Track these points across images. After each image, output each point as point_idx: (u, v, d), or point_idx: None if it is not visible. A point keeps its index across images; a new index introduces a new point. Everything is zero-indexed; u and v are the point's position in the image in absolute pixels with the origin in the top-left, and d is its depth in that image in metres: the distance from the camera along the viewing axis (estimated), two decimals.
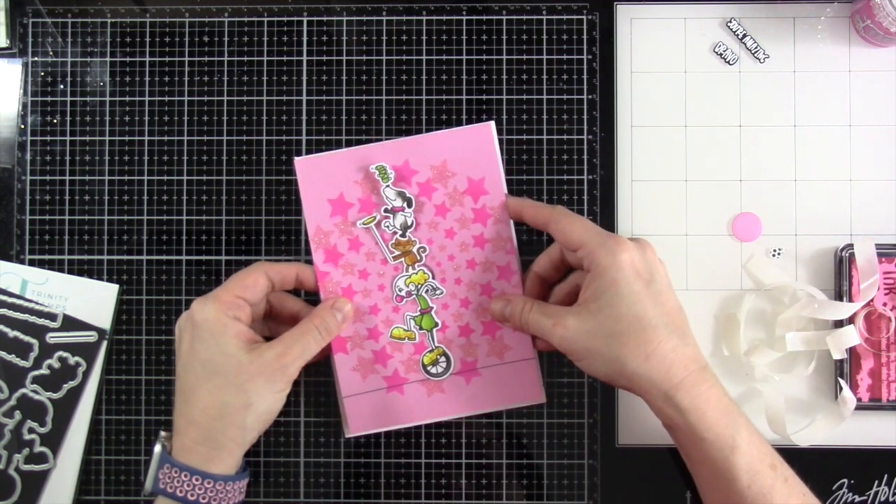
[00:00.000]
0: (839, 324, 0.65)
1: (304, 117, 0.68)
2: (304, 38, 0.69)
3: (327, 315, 0.62)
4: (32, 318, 0.67)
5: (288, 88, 0.69)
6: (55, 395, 0.67)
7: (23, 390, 0.67)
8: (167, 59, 0.69)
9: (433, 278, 0.65)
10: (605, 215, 0.68)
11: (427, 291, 0.65)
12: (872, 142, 0.68)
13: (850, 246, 0.66)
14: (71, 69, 0.69)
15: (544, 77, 0.68)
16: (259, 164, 0.68)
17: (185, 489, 0.58)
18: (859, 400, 0.65)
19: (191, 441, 0.58)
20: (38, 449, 0.67)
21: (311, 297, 0.67)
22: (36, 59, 0.69)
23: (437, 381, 0.65)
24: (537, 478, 0.67)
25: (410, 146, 0.65)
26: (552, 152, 0.68)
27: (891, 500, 0.67)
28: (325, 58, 0.69)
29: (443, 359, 0.65)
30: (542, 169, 0.68)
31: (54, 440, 0.67)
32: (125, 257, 0.68)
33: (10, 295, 0.67)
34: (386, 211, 0.65)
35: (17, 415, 0.67)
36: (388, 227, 0.65)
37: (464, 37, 0.68)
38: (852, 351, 0.66)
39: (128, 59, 0.69)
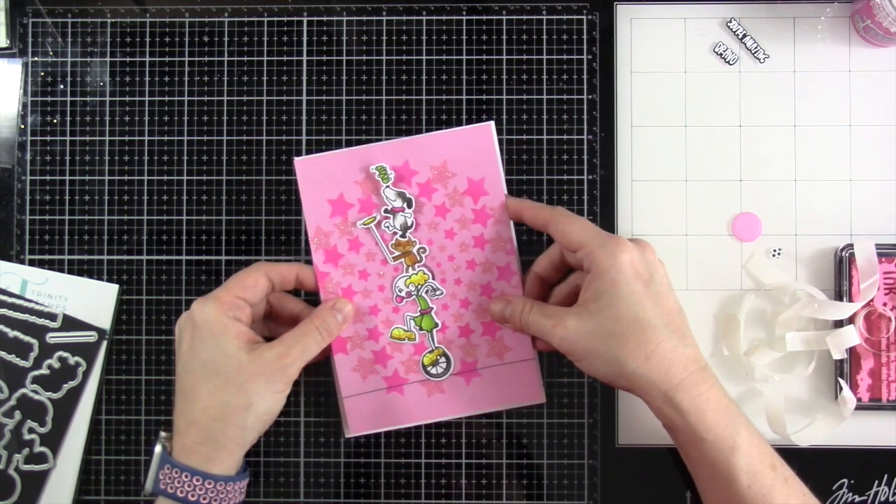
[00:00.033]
0: (839, 324, 0.65)
1: (304, 117, 0.68)
2: (304, 38, 0.69)
3: (328, 316, 0.62)
4: (32, 318, 0.67)
5: (288, 88, 0.69)
6: (55, 395, 0.67)
7: (23, 390, 0.67)
8: (167, 59, 0.69)
9: (433, 279, 0.65)
10: (605, 215, 0.68)
11: (427, 292, 0.65)
12: (872, 142, 0.68)
13: (850, 246, 0.66)
14: (71, 69, 0.69)
15: (544, 77, 0.68)
16: (259, 164, 0.68)
17: (185, 489, 0.58)
18: (859, 400, 0.65)
19: (191, 441, 0.58)
20: (38, 449, 0.67)
21: (311, 298, 0.67)
22: (36, 59, 0.69)
23: (437, 381, 0.66)
24: (537, 478, 0.67)
25: (410, 146, 0.65)
26: (552, 152, 0.68)
27: (891, 500, 0.67)
28: (325, 58, 0.69)
29: (443, 359, 0.65)
30: (542, 169, 0.68)
31: (54, 440, 0.67)
32: (125, 257, 0.68)
33: (10, 295, 0.67)
34: (386, 211, 0.65)
35: (17, 415, 0.67)
36: (388, 227, 0.65)
37: (464, 37, 0.68)
38: (852, 351, 0.66)
39: (128, 59, 0.69)
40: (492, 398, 0.66)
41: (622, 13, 0.68)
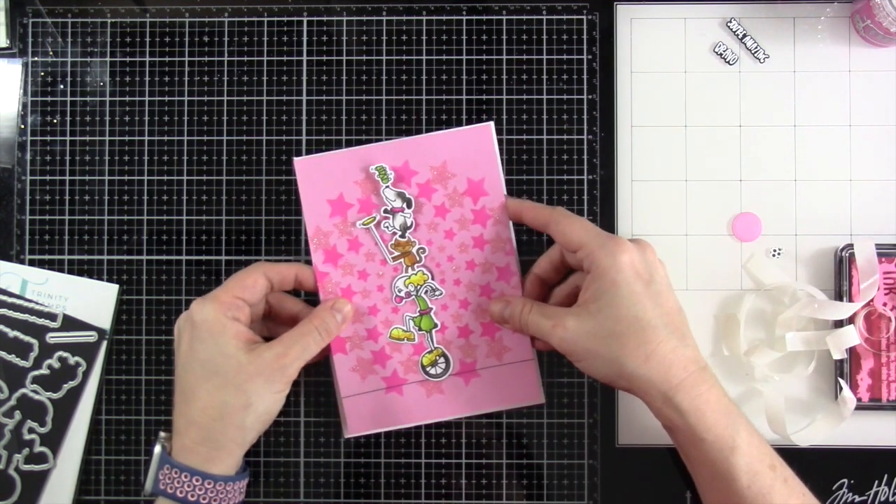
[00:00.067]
0: (839, 324, 0.65)
1: (304, 117, 0.68)
2: (304, 38, 0.69)
3: (327, 316, 0.62)
4: (32, 318, 0.67)
5: (288, 88, 0.69)
6: (55, 395, 0.67)
7: (23, 390, 0.67)
8: (167, 59, 0.69)
9: (432, 279, 0.65)
10: (605, 215, 0.68)
11: (426, 292, 0.65)
12: (872, 142, 0.68)
13: (850, 246, 0.66)
14: (71, 69, 0.69)
15: (544, 77, 0.68)
16: (259, 164, 0.68)
17: (185, 490, 0.58)
18: (859, 400, 0.65)
19: (191, 441, 0.58)
20: (38, 449, 0.67)
21: (311, 298, 0.67)
22: (36, 59, 0.69)
23: (437, 381, 0.66)
24: (537, 478, 0.67)
25: (410, 147, 0.65)
26: (552, 152, 0.68)
27: (891, 500, 0.67)
28: (325, 58, 0.69)
29: (442, 360, 0.65)
30: (542, 169, 0.68)
31: (54, 440, 0.67)
32: (125, 257, 0.68)
33: (10, 295, 0.67)
34: (385, 212, 0.65)
35: (17, 415, 0.67)
36: (387, 227, 0.65)
37: (464, 37, 0.68)
38: (852, 351, 0.66)
39: (128, 59, 0.69)
40: (491, 399, 0.66)
41: (622, 13, 0.68)
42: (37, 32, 0.69)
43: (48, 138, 0.69)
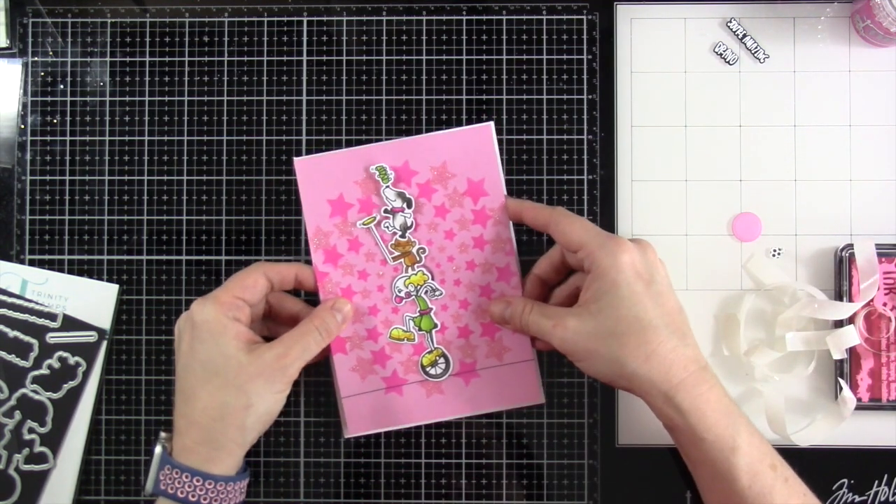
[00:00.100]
0: (839, 324, 0.65)
1: (304, 117, 0.68)
2: (304, 38, 0.69)
3: (327, 316, 0.62)
4: (32, 318, 0.67)
5: (288, 88, 0.69)
6: (55, 395, 0.67)
7: (23, 390, 0.67)
8: (167, 59, 0.69)
9: (432, 279, 0.65)
10: (605, 215, 0.68)
11: (426, 292, 0.65)
12: (872, 142, 0.68)
13: (850, 246, 0.66)
14: (71, 69, 0.69)
15: (544, 77, 0.68)
16: (259, 164, 0.68)
17: (185, 490, 0.58)
18: (859, 400, 0.65)
19: (191, 442, 0.58)
20: (38, 449, 0.67)
21: (311, 298, 0.67)
22: (36, 59, 0.69)
23: (436, 382, 0.65)
24: (537, 478, 0.67)
25: (410, 147, 0.65)
26: (552, 152, 0.68)
27: (891, 500, 0.67)
28: (325, 58, 0.69)
29: (442, 360, 0.65)
30: (542, 169, 0.68)
31: (54, 440, 0.67)
32: (125, 257, 0.68)
33: (10, 295, 0.67)
34: (386, 211, 0.65)
35: (17, 415, 0.67)
36: (387, 227, 0.65)
37: (464, 37, 0.68)
38: (852, 351, 0.66)
39: (128, 59, 0.69)
40: (491, 399, 0.66)
41: (622, 13, 0.68)
42: (37, 32, 0.69)
43: (48, 138, 0.69)
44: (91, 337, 0.67)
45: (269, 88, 0.69)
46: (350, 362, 0.65)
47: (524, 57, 0.68)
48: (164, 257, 0.68)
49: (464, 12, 0.68)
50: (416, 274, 0.65)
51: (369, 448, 0.68)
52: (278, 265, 0.63)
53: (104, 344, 0.68)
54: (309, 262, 0.65)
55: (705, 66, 0.68)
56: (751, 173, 0.68)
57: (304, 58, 0.69)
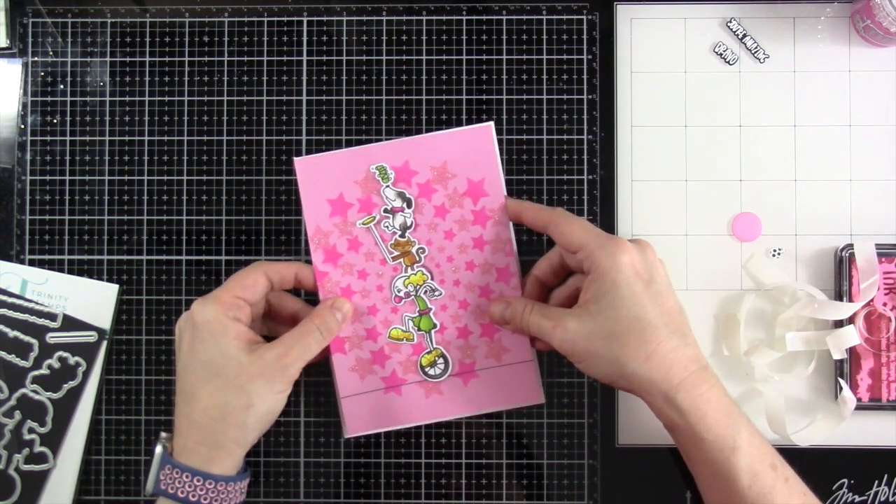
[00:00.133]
0: (839, 324, 0.65)
1: (304, 117, 0.68)
2: (304, 38, 0.69)
3: (327, 315, 0.62)
4: (32, 318, 0.67)
5: (288, 88, 0.69)
6: (55, 395, 0.67)
7: (23, 390, 0.67)
8: (167, 59, 0.69)
9: (432, 279, 0.65)
10: (605, 215, 0.68)
11: (426, 292, 0.65)
12: (872, 142, 0.68)
13: (850, 246, 0.66)
14: (71, 69, 0.69)
15: (544, 77, 0.68)
16: (259, 164, 0.68)
17: (186, 490, 0.58)
18: (859, 400, 0.65)
19: (192, 442, 0.59)
20: (38, 449, 0.67)
21: (311, 297, 0.67)
22: (36, 59, 0.69)
23: (435, 382, 0.65)
24: (537, 478, 0.67)
25: (410, 147, 0.65)
26: (552, 152, 0.68)
27: (891, 500, 0.67)
28: (325, 58, 0.69)
29: (441, 360, 0.65)
30: (542, 169, 0.68)
31: (54, 440, 0.67)
32: (125, 257, 0.68)
33: (10, 295, 0.67)
34: (385, 211, 0.65)
35: (17, 415, 0.67)
36: (387, 227, 0.65)
37: (464, 37, 0.68)
38: (852, 351, 0.66)
39: (128, 59, 0.69)
40: (490, 399, 0.66)
41: (622, 13, 0.68)
42: (37, 32, 0.69)
43: (48, 138, 0.69)
44: (91, 337, 0.67)
45: (269, 88, 0.69)
46: (349, 362, 0.65)
47: (524, 57, 0.68)
48: (164, 257, 0.68)
49: (464, 12, 0.68)
50: (415, 274, 0.65)
51: (369, 448, 0.68)
52: (278, 264, 0.63)
53: (104, 344, 0.68)
54: (309, 262, 0.65)
55: (705, 66, 0.68)
56: (751, 173, 0.68)
57: (304, 58, 0.69)
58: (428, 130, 0.68)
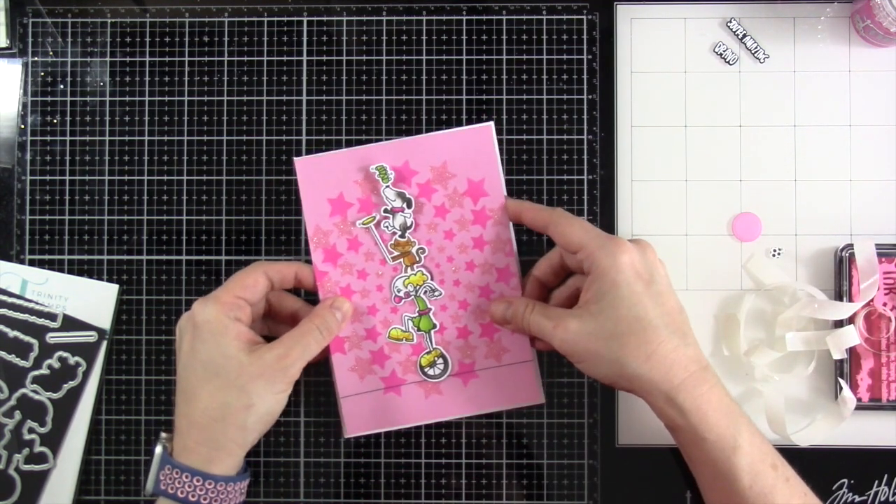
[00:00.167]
0: (839, 324, 0.65)
1: (304, 117, 0.68)
2: (304, 38, 0.69)
3: (327, 314, 0.62)
4: (32, 318, 0.67)
5: (288, 88, 0.69)
6: (55, 395, 0.67)
7: (23, 390, 0.67)
8: (167, 59, 0.69)
9: (432, 279, 0.65)
10: (605, 215, 0.68)
11: (425, 293, 0.65)
12: (872, 142, 0.68)
13: (850, 246, 0.66)
14: (71, 69, 0.69)
15: (544, 77, 0.68)
16: (259, 164, 0.68)
17: (185, 490, 0.58)
18: (859, 400, 0.65)
19: (192, 442, 0.58)
20: (38, 449, 0.67)
21: (311, 297, 0.67)
22: (36, 59, 0.69)
23: (435, 382, 0.65)
24: (537, 478, 0.67)
25: (410, 147, 0.65)
26: (552, 152, 0.68)
27: (891, 500, 0.67)
28: (325, 58, 0.69)
29: (440, 360, 0.65)
30: (542, 169, 0.68)
31: (54, 440, 0.67)
32: (125, 257, 0.68)
33: (10, 295, 0.67)
34: (385, 211, 0.65)
35: (17, 415, 0.67)
36: (387, 227, 0.65)
37: (464, 37, 0.68)
38: (852, 351, 0.66)
39: (128, 59, 0.69)
40: (490, 399, 0.66)
41: (622, 13, 0.68)
42: (37, 32, 0.69)
43: (48, 138, 0.69)
44: (91, 337, 0.67)
45: (269, 88, 0.69)
46: (349, 362, 0.65)
47: (524, 57, 0.68)
48: (164, 257, 0.68)
49: (464, 12, 0.68)
50: (415, 274, 0.65)
51: (369, 448, 0.68)
52: (278, 264, 0.63)
53: (104, 344, 0.68)
54: (309, 262, 0.65)
55: (705, 66, 0.68)
56: (751, 173, 0.68)
57: (304, 58, 0.69)
58: (428, 130, 0.68)
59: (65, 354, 0.67)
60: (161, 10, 0.69)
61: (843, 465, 0.67)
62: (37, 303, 0.67)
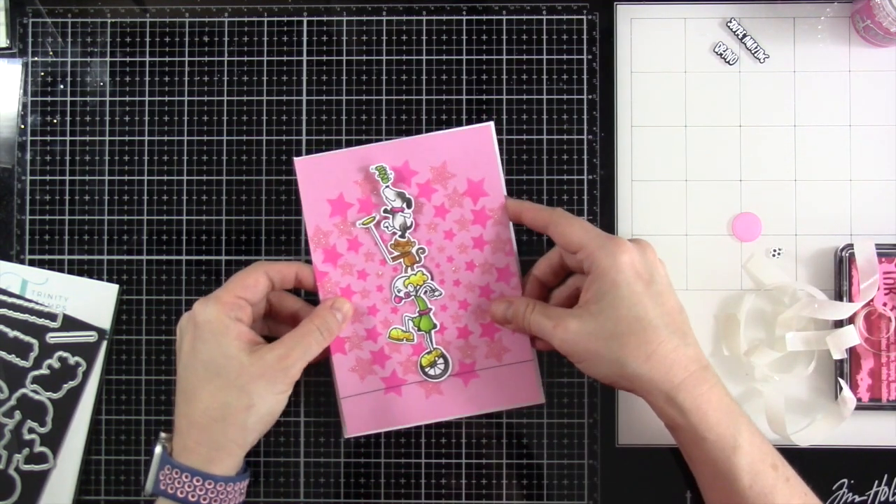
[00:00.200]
0: (839, 324, 0.65)
1: (304, 117, 0.68)
2: (304, 38, 0.69)
3: (328, 315, 0.62)
4: (32, 318, 0.67)
5: (288, 88, 0.69)
6: (55, 395, 0.67)
7: (23, 390, 0.67)
8: (167, 59, 0.69)
9: (432, 279, 0.65)
10: (605, 215, 0.68)
11: (426, 293, 0.65)
12: (872, 142, 0.68)
13: (850, 246, 0.66)
14: (71, 69, 0.69)
15: (544, 77, 0.68)
16: (259, 164, 0.68)
17: (185, 490, 0.58)
18: (859, 400, 0.65)
19: (192, 442, 0.58)
20: (38, 449, 0.67)
21: (311, 297, 0.67)
22: (36, 59, 0.69)
23: (436, 382, 0.65)
24: (537, 478, 0.67)
25: (410, 147, 0.65)
26: (552, 152, 0.68)
27: (891, 500, 0.67)
28: (325, 58, 0.69)
29: (441, 360, 0.65)
30: (542, 169, 0.68)
31: (54, 440, 0.67)
32: (125, 257, 0.68)
33: (10, 295, 0.67)
34: (385, 211, 0.65)
35: (17, 415, 0.67)
36: (387, 227, 0.65)
37: (464, 37, 0.68)
38: (852, 351, 0.66)
39: (128, 59, 0.69)
40: (490, 399, 0.66)
41: (622, 13, 0.68)
42: (37, 32, 0.69)
43: (48, 138, 0.69)
44: (91, 337, 0.67)
45: (269, 88, 0.69)
46: (349, 362, 0.65)
47: (524, 57, 0.68)
48: (164, 257, 0.68)
49: (464, 12, 0.68)
50: (415, 274, 0.65)
51: (369, 448, 0.68)
52: (279, 264, 0.63)
53: (104, 344, 0.68)
54: (309, 262, 0.65)
55: (705, 66, 0.68)
56: (751, 173, 0.68)
57: (304, 58, 0.69)
58: (428, 130, 0.68)
59: (65, 354, 0.67)
60: (161, 10, 0.69)
61: (843, 465, 0.67)
62: (37, 303, 0.67)
